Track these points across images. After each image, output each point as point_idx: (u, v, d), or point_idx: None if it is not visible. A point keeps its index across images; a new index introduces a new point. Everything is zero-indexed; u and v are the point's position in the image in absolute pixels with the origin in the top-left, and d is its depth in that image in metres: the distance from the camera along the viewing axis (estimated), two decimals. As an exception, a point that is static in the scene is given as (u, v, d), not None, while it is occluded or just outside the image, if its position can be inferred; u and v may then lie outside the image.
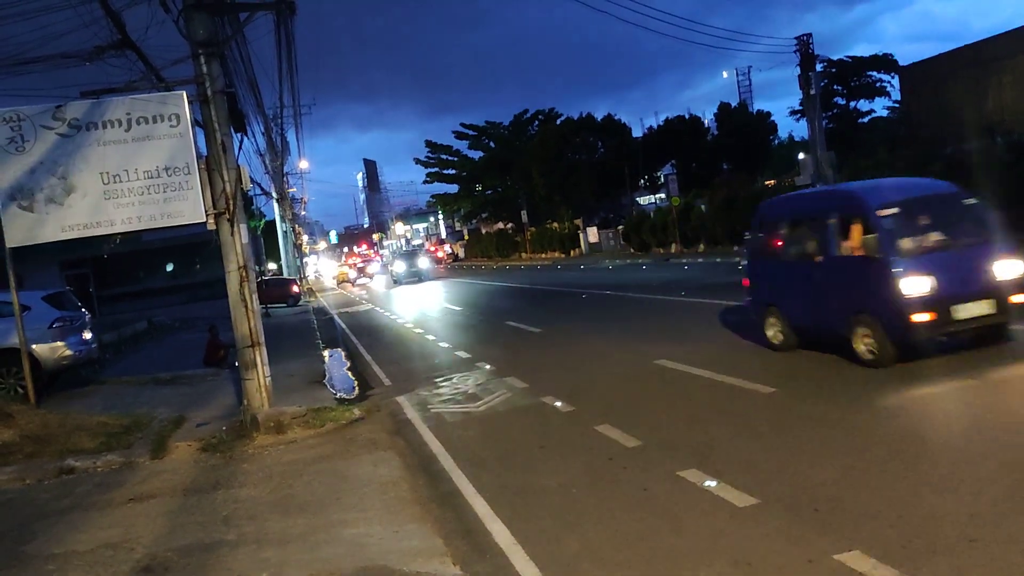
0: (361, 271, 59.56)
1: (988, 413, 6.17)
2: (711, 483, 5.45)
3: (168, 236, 28.33)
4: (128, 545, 5.69)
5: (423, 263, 43.78)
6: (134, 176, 8.91)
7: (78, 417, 10.00)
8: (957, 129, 28.69)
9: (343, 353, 16.41)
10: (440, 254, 78.93)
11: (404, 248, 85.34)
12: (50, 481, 7.86)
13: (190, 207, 9.03)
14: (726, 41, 51.81)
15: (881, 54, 44.33)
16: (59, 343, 12.65)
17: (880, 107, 46.98)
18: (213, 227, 9.24)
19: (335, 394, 11.35)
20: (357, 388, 12.13)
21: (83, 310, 14.21)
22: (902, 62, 40.87)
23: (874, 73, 44.56)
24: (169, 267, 39.74)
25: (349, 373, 13.71)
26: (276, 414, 9.09)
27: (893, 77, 42.73)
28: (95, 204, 8.87)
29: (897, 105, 43.61)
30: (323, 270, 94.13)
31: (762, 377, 8.27)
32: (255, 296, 9.50)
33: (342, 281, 57.37)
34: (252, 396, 9.28)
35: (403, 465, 7.17)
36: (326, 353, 16.24)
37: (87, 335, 13.69)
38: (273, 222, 43.93)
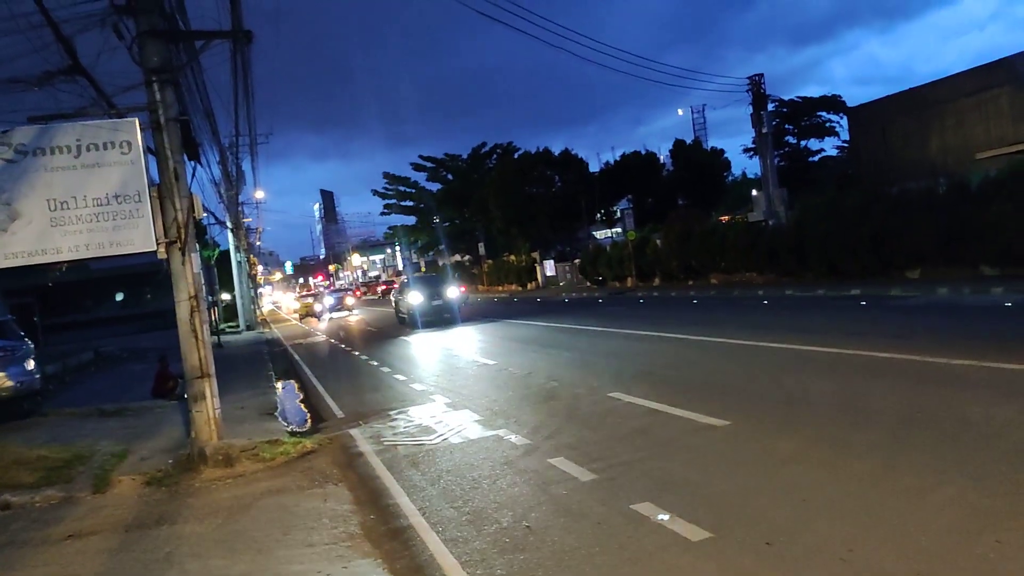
0: (339, 302, 49.52)
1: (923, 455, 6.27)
2: (664, 517, 5.44)
3: (118, 265, 27.93)
4: (65, 584, 5.49)
5: (451, 294, 27.95)
6: (83, 203, 8.71)
7: (17, 450, 9.67)
8: (903, 169, 29.63)
9: (295, 385, 16.17)
10: (397, 286, 78.46)
11: (416, 270, 66.98)
12: (-16, 517, 7.56)
13: (141, 235, 8.85)
14: (680, 79, 53.04)
15: (830, 95, 45.72)
16: (-1, 374, 12.29)
17: (830, 146, 48.34)
18: (164, 256, 9.07)
19: (286, 426, 11.15)
20: (309, 420, 11.95)
21: (26, 340, 13.82)
22: (850, 103, 42.20)
23: (823, 113, 45.87)
24: (119, 296, 38.97)
25: (301, 405, 13.50)
26: (225, 447, 8.89)
27: (841, 118, 44.03)
28: (41, 231, 8.64)
29: (846, 145, 44.89)
30: (281, 301, 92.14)
31: (716, 411, 8.32)
32: (206, 326, 9.34)
33: (305, 315, 50.79)
34: (200, 428, 9.06)
35: (354, 499, 7.05)
36: (278, 385, 16.00)
37: (30, 366, 13.31)
38: (227, 252, 43.26)
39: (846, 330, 13.56)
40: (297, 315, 52.34)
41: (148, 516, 7.13)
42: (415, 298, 27.16)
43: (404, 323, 28.56)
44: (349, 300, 50.74)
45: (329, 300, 51.35)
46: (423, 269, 77.51)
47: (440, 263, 70.01)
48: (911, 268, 21.56)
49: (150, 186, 8.95)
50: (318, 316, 47.45)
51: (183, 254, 9.03)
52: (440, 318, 26.79)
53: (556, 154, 52.52)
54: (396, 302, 31.49)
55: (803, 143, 47.19)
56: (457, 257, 67.80)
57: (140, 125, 8.88)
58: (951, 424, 6.79)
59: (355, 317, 43.41)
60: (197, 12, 11.80)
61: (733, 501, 5.62)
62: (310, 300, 54.44)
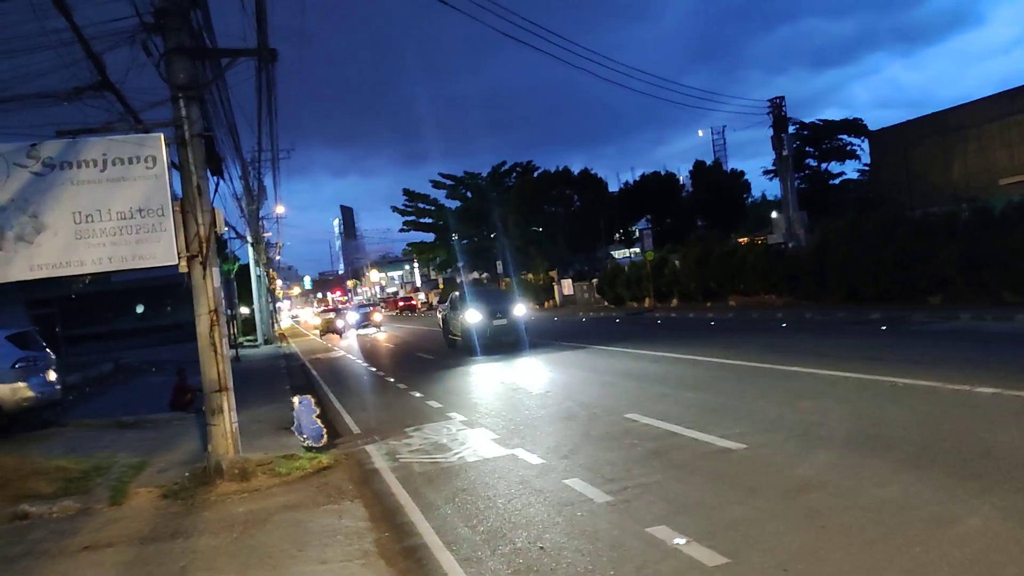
0: (366, 318, 46.32)
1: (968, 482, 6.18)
2: (681, 541, 5.39)
3: (138, 278, 28.25)
4: (80, 596, 5.51)
5: (518, 311, 23.00)
6: (107, 216, 8.82)
7: (36, 460, 9.75)
8: (925, 193, 29.47)
9: (312, 400, 16.21)
10: (415, 302, 78.51)
11: (471, 282, 58.55)
12: (2, 527, 7.62)
13: (163, 249, 8.94)
14: (700, 100, 53.15)
15: (851, 118, 45.47)
16: (21, 384, 12.41)
17: (851, 169, 48.16)
18: (185, 270, 9.16)
19: (303, 441, 11.18)
20: (325, 436, 11.97)
21: (47, 350, 13.95)
22: (871, 127, 41.98)
23: (844, 136, 45.62)
24: (139, 309, 39.32)
25: (318, 420, 13.53)
26: (241, 461, 8.92)
27: (863, 141, 43.78)
28: (66, 244, 8.76)
29: (867, 168, 44.64)
30: (301, 316, 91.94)
31: (733, 434, 8.26)
32: (225, 340, 9.39)
33: (326, 331, 46.63)
34: (217, 442, 9.09)
35: (369, 516, 7.04)
36: (295, 399, 16.05)
37: (51, 376, 13.42)
38: (247, 266, 43.57)
39: (866, 355, 13.43)
40: (317, 331, 48.20)
41: (164, 529, 7.16)
42: (473, 316, 21.95)
43: (455, 347, 23.94)
44: (377, 316, 46.79)
45: (353, 316, 48.14)
46: (441, 286, 77.00)
47: (487, 276, 67.40)
48: (932, 294, 21.36)
49: (173, 200, 9.05)
50: (340, 332, 44.43)
51: (204, 268, 9.11)
52: (502, 342, 22.06)
53: (575, 173, 52.63)
54: (444, 320, 25.75)
55: (824, 166, 46.96)
56: (475, 275, 67.98)
57: (165, 140, 9.00)
58: (974, 453, 6.70)
59: (382, 334, 40.82)
60: (221, 29, 12.01)
61: (750, 526, 5.57)
62: (331, 315, 50.03)
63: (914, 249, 21.26)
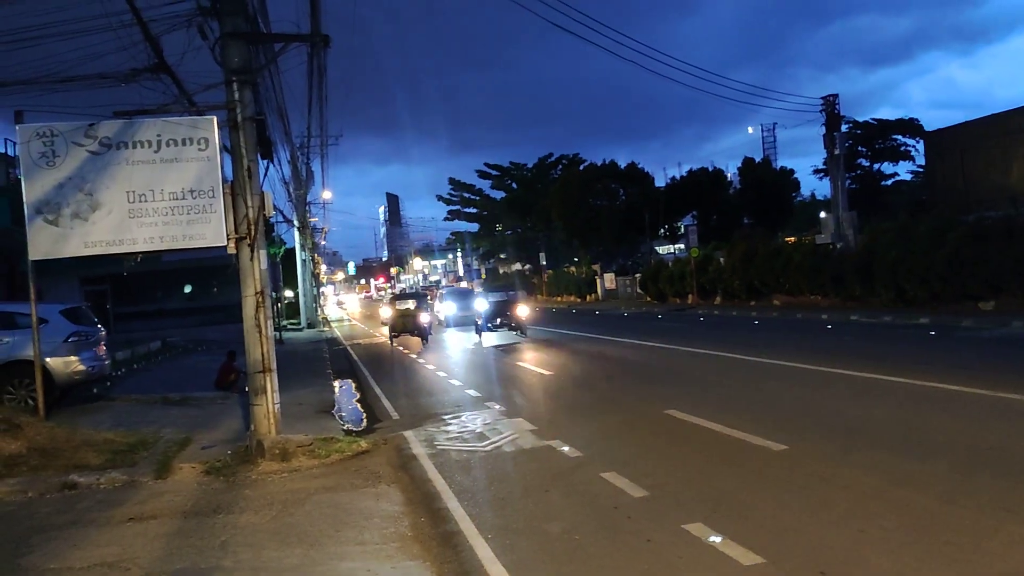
0: (502, 310, 24.06)
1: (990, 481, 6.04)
2: (716, 538, 5.35)
3: (188, 258, 28.66)
4: (124, 565, 5.65)
5: None
6: (160, 196, 9.01)
7: (85, 433, 10.00)
8: (981, 197, 28.72)
9: (353, 384, 16.39)
10: None
11: None
12: (52, 495, 7.84)
13: (212, 230, 9.11)
14: (749, 96, 52.46)
15: (906, 118, 44.46)
16: (73, 358, 12.73)
17: (904, 171, 47.08)
18: (234, 251, 9.32)
19: (342, 425, 11.32)
20: (365, 420, 12.09)
21: (99, 326, 14.29)
22: (926, 127, 41.01)
23: (899, 137, 44.67)
24: (187, 289, 40.04)
25: (358, 405, 13.68)
26: (282, 441, 9.06)
27: (918, 142, 42.84)
28: (120, 222, 8.97)
29: (921, 170, 43.66)
30: (347, 302, 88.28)
31: (774, 434, 8.17)
32: (270, 322, 9.53)
33: (400, 330, 25.78)
34: (259, 422, 9.26)
35: (406, 501, 7.11)
36: (336, 383, 16.24)
37: (101, 351, 13.75)
38: (292, 250, 44.09)
39: (913, 359, 13.17)
40: (388, 331, 27.15)
41: (206, 504, 7.31)
42: None
43: None
44: (521, 310, 24.51)
45: (451, 306, 32.16)
46: (483, 276, 76.74)
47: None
48: (985, 299, 20.83)
49: (224, 183, 9.20)
50: (425, 335, 25.29)
51: (252, 250, 9.26)
52: None
53: (622, 167, 52.31)
54: None
55: (876, 166, 46.06)
56: (518, 266, 68.07)
57: (218, 123, 9.15)
58: (1020, 463, 6.54)
59: (530, 348, 21.02)
60: (273, 14, 12.12)
61: (787, 527, 5.51)
62: (409, 304, 28.72)
63: (967, 254, 20.74)
